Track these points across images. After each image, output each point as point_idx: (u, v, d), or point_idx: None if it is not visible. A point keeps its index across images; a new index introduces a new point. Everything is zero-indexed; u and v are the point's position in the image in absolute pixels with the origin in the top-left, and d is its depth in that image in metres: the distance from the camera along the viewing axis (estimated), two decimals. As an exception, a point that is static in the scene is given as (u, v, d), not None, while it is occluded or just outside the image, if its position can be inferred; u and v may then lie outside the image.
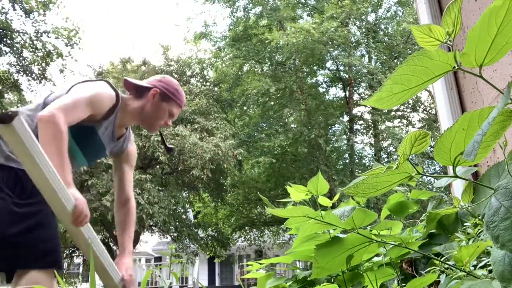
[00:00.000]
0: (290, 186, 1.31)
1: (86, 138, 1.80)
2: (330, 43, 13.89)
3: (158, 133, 2.06)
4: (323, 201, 1.28)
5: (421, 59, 0.66)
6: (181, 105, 1.97)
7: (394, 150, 15.68)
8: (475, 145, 0.59)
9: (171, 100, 1.92)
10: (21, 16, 11.85)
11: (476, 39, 0.62)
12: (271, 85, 14.04)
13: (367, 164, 16.30)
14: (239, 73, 16.20)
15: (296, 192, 1.30)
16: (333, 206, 1.30)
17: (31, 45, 12.16)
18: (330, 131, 16.20)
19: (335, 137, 16.27)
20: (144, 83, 1.94)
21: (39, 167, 1.41)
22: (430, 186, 11.42)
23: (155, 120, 1.92)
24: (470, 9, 2.00)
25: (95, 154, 1.95)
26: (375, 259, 1.45)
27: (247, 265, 1.82)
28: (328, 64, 16.59)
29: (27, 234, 1.57)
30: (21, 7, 11.67)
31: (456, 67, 0.67)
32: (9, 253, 1.56)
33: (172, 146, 2.04)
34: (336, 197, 1.40)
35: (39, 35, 12.26)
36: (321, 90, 17.47)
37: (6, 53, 11.79)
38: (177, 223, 13.51)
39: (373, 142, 15.43)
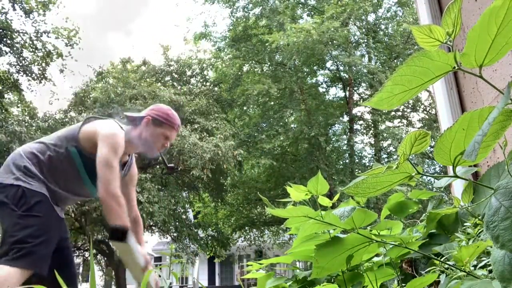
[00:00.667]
0: (290, 186, 1.31)
1: (95, 169, 2.01)
2: (330, 43, 13.87)
3: (160, 157, 2.29)
4: (323, 201, 1.28)
5: (421, 59, 0.66)
6: (174, 127, 2.17)
7: (394, 150, 15.68)
8: (476, 146, 0.59)
9: (163, 124, 2.14)
10: (21, 16, 11.85)
11: (476, 39, 0.62)
12: (272, 86, 14.05)
13: (367, 164, 16.30)
14: (239, 73, 16.20)
15: (296, 192, 1.29)
16: (333, 206, 1.30)
17: (31, 45, 12.16)
18: (330, 131, 16.20)
19: (335, 137, 16.28)
20: (141, 113, 2.20)
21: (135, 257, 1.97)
22: (430, 186, 11.42)
23: (152, 144, 2.13)
24: (470, 9, 2.00)
25: None
26: (375, 259, 1.45)
27: (247, 265, 1.82)
28: (328, 64, 16.60)
29: (26, 239, 1.85)
30: (21, 7, 11.67)
31: (456, 68, 0.67)
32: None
33: (172, 165, 2.42)
34: (336, 197, 1.40)
35: (39, 35, 12.26)
36: (321, 90, 17.48)
37: (6, 53, 11.79)
38: (177, 223, 13.51)
39: (373, 142, 15.44)
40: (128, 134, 2.12)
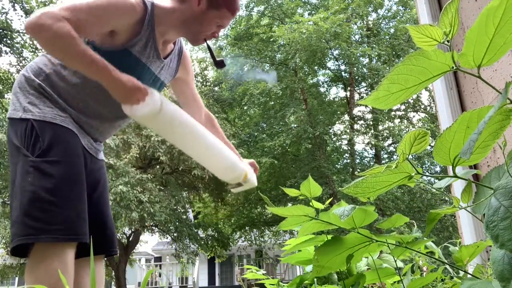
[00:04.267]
0: (289, 187, 1.31)
1: (125, 66, 1.45)
2: (333, 39, 13.85)
3: (206, 46, 1.65)
4: (316, 204, 1.28)
5: (418, 59, 0.66)
6: (234, 13, 1.58)
7: (395, 150, 15.67)
8: (471, 144, 0.60)
9: (220, 7, 1.54)
10: (21, 16, 11.83)
11: (474, 40, 0.62)
12: (275, 85, 14.09)
13: (367, 164, 16.31)
14: (240, 72, 16.21)
15: (291, 194, 1.29)
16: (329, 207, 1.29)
17: (31, 45, 12.15)
18: (331, 130, 16.21)
19: (336, 137, 16.29)
20: None
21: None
22: (429, 186, 11.40)
23: (200, 32, 1.57)
24: (470, 9, 2.00)
25: (149, 85, 1.57)
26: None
27: (247, 270, 1.81)
28: (330, 64, 16.61)
29: (41, 198, 1.32)
30: (21, 7, 11.66)
31: (455, 68, 0.67)
32: (30, 225, 1.30)
33: (222, 59, 1.66)
34: (328, 201, 1.40)
35: (39, 35, 12.25)
36: (322, 90, 17.49)
37: (6, 53, 11.78)
38: (177, 223, 13.52)
39: (373, 142, 15.44)
40: (165, 10, 1.52)
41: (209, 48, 1.64)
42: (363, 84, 16.31)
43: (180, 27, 1.55)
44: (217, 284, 22.06)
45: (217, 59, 1.65)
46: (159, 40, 1.56)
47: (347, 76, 16.04)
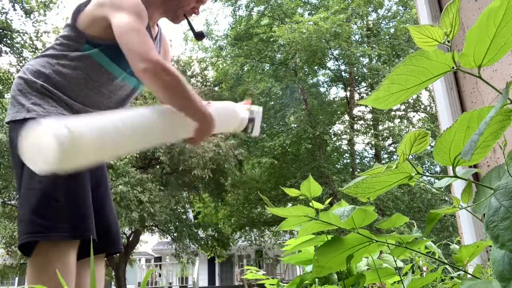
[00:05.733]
0: (289, 187, 1.31)
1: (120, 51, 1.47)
2: (333, 39, 13.86)
3: (186, 21, 1.68)
4: (316, 204, 1.28)
5: (419, 59, 0.66)
6: None
7: (395, 150, 15.68)
8: (472, 145, 0.60)
9: None
10: (21, 16, 11.84)
11: (475, 40, 0.62)
12: (275, 85, 14.11)
13: (367, 164, 16.31)
14: (240, 72, 16.21)
15: (291, 193, 1.29)
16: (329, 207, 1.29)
17: (31, 45, 12.15)
18: (331, 130, 16.22)
19: (336, 137, 16.30)
20: None
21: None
22: (429, 186, 11.41)
23: (179, 8, 1.61)
24: (470, 9, 2.00)
25: None
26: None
27: (247, 270, 1.81)
28: (330, 64, 16.62)
29: (50, 196, 1.32)
30: (21, 7, 11.66)
31: (455, 68, 0.67)
32: (38, 223, 1.31)
33: (201, 30, 1.70)
34: (327, 201, 1.40)
35: (39, 35, 12.25)
36: (322, 90, 17.50)
37: (6, 53, 11.78)
38: (177, 223, 13.52)
39: (373, 142, 15.45)
40: None
41: (188, 22, 1.67)
42: (363, 84, 16.32)
43: (161, 6, 1.60)
44: (217, 284, 22.06)
45: (197, 31, 1.68)
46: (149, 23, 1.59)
47: (347, 76, 16.05)
